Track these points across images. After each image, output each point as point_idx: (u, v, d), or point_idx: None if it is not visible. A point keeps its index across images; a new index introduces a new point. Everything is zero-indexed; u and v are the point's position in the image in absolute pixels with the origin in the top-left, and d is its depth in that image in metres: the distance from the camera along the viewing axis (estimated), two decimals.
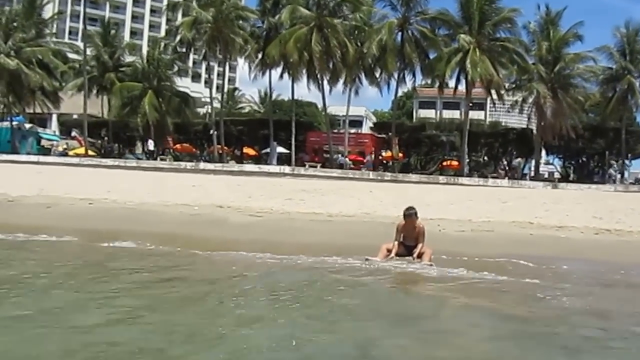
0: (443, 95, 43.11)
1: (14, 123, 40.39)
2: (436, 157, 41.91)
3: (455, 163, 39.79)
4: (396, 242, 10.08)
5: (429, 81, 41.94)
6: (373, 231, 11.62)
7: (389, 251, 9.99)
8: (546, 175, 40.24)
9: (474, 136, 39.00)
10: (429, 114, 54.49)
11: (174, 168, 33.40)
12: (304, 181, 23.68)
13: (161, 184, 20.10)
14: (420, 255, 9.83)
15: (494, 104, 39.64)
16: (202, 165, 35.43)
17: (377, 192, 18.87)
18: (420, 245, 9.96)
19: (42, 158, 35.98)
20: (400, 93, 51.44)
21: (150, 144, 40.72)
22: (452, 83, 38.10)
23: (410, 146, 41.42)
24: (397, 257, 9.92)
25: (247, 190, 18.40)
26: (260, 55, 39.28)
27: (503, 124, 47.34)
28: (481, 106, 51.89)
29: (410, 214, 10.12)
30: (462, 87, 37.38)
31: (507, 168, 39.05)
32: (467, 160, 38.71)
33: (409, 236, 10.10)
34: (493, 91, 36.24)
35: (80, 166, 31.27)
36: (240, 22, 38.14)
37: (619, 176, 36.92)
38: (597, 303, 7.55)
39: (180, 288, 7.42)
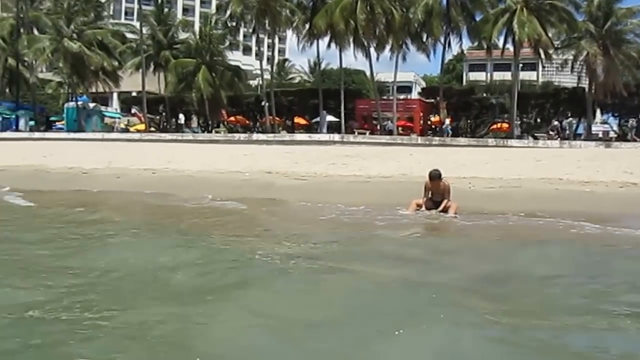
0: (493, 57, 42.76)
1: (79, 103, 42.68)
2: (486, 120, 41.95)
3: (505, 125, 39.69)
4: (424, 198, 11.09)
5: (476, 44, 41.70)
6: (408, 190, 12.21)
7: (419, 206, 11.04)
8: (600, 135, 39.64)
9: (524, 97, 38.79)
10: (479, 76, 54.02)
11: (228, 140, 34.81)
12: (348, 147, 24.57)
13: (215, 154, 21.46)
14: (446, 210, 10.82)
15: (543, 64, 39.20)
16: (255, 136, 36.77)
17: (417, 155, 19.59)
18: (445, 201, 10.92)
19: (106, 135, 38.18)
20: (450, 57, 51.58)
21: (181, 118, 42.74)
22: (500, 45, 38.01)
23: (460, 110, 41.52)
24: (426, 210, 10.98)
25: (294, 157, 19.47)
26: (307, 26, 40.03)
27: (556, 83, 46.59)
28: (533, 66, 51.12)
29: (434, 176, 11.05)
30: (510, 48, 37.18)
31: (558, 129, 38.70)
32: (519, 122, 38.68)
33: (436, 192, 11.09)
34: (541, 51, 35.87)
35: (141, 141, 33.14)
36: None
37: None
38: None
39: None
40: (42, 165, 19.33)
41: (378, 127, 39.23)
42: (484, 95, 43.57)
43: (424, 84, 56.87)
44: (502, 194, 13.45)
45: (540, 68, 49.83)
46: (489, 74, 52.10)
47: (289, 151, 21.55)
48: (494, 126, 40.71)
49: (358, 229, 9.66)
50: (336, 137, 34.20)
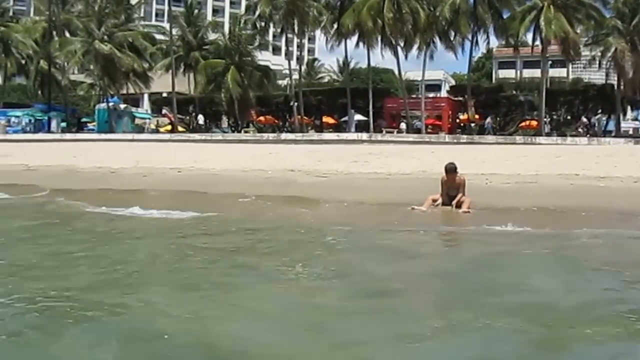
0: (522, 54, 42.61)
1: (110, 104, 43.46)
2: (515, 117, 41.70)
3: (534, 123, 39.43)
4: (441, 193, 11.42)
5: (503, 42, 41.52)
6: (426, 186, 12.34)
7: (434, 201, 11.34)
8: (630, 132, 39.14)
9: (553, 94, 38.54)
10: (508, 74, 53.76)
11: (256, 139, 35.18)
12: (373, 146, 24.71)
13: (241, 153, 21.77)
14: (460, 204, 11.12)
15: (571, 61, 38.88)
16: (283, 135, 37.07)
17: (439, 152, 19.52)
18: (460, 195, 11.26)
19: (136, 135, 38.77)
20: (479, 55, 51.37)
21: (200, 119, 43.30)
22: (528, 42, 37.87)
23: (488, 108, 41.35)
24: (442, 206, 11.32)
25: (318, 156, 19.65)
26: (335, 26, 40.26)
27: (586, 80, 46.18)
28: (563, 63, 50.59)
29: (450, 169, 11.43)
30: (539, 45, 36.98)
31: (587, 126, 38.34)
32: (548, 119, 38.40)
33: (452, 187, 11.42)
34: (569, 48, 35.59)
35: (170, 141, 33.68)
36: None
37: None
38: None
39: None
40: (73, 165, 19.91)
41: (399, 125, 39.26)
42: (514, 92, 43.36)
43: (453, 82, 56.68)
44: (517, 189, 13.54)
45: (570, 65, 49.33)
46: (518, 72, 51.79)
47: (313, 150, 21.81)
48: (523, 124, 40.46)
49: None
50: (364, 136, 34.33)
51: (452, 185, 11.44)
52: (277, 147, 25.21)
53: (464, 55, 40.96)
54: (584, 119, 38.84)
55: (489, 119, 38.30)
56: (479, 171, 15.26)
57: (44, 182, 16.17)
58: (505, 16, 37.58)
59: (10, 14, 63.89)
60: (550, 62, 40.91)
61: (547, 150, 20.43)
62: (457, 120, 42.43)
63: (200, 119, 45.93)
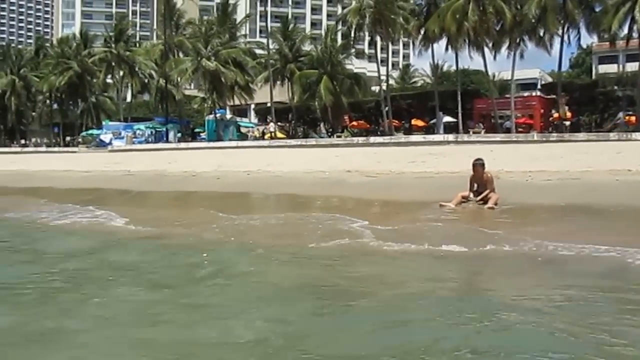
0: (627, 48, 41.12)
1: (217, 115, 47.45)
2: (613, 113, 40.41)
3: (633, 119, 38.11)
4: (471, 191, 11.96)
5: (595, 37, 40.44)
6: (466, 184, 12.66)
7: (464, 197, 11.85)
8: None
9: None
10: (610, 69, 51.64)
11: (347, 143, 37.03)
12: (434, 147, 25.25)
13: (313, 156, 23.64)
14: (486, 200, 11.48)
15: None
16: (372, 139, 38.52)
17: (497, 151, 20.14)
18: (487, 191, 11.63)
19: (240, 143, 42.15)
20: (579, 50, 49.98)
21: (271, 126, 45.42)
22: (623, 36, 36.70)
23: (583, 104, 40.45)
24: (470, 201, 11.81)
25: (379, 157, 21.13)
26: (422, 31, 41.31)
27: None
28: None
29: (475, 164, 11.98)
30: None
31: None
32: None
33: (480, 184, 11.92)
34: None
35: (270, 147, 36.30)
36: (400, 2, 40.41)
37: None
38: None
39: None
40: (164, 170, 23.09)
41: (492, 125, 39.42)
42: (614, 87, 41.98)
43: (550, 80, 55.35)
44: (555, 186, 13.83)
45: None
46: (620, 66, 49.74)
47: (377, 152, 23.30)
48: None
49: None
50: (450, 137, 34.95)
51: (480, 182, 11.85)
52: (349, 150, 26.88)
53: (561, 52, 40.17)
54: None
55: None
56: (527, 168, 15.89)
57: (135, 185, 19.16)
58: (597, 10, 36.77)
59: (137, 39, 71.13)
60: None
61: (611, 147, 20.16)
62: (550, 119, 41.79)
63: (271, 126, 46.52)
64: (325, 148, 32.42)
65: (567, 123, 39.19)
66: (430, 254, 7.24)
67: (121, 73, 55.57)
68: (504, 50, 40.05)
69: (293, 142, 39.64)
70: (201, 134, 52.48)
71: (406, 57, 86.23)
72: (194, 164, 23.45)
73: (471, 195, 11.92)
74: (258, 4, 47.80)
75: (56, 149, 51.76)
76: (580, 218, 10.07)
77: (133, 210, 12.80)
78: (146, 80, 57.23)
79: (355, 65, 49.26)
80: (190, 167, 22.77)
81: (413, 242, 7.66)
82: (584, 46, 45.88)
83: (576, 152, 18.65)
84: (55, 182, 22.06)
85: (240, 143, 41.90)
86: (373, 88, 49.00)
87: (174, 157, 27.12)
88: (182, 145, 42.33)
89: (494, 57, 40.61)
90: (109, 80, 59.23)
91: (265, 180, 18.50)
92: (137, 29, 77.59)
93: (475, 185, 11.95)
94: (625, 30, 35.95)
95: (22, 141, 64.95)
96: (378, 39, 43.46)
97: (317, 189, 16.09)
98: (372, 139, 38.30)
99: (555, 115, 40.83)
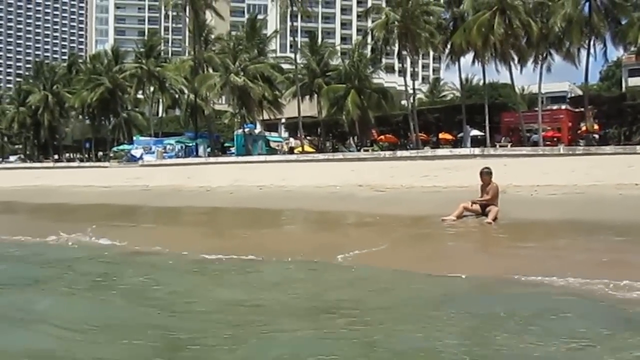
0: None
1: (246, 130, 48.12)
2: None
3: None
4: (470, 201, 12.03)
5: (621, 49, 40.10)
6: (470, 198, 12.51)
7: (466, 209, 11.92)
8: None
9: None
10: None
11: (374, 157, 37.21)
12: (447, 161, 24.68)
13: (326, 171, 23.41)
14: (486, 214, 11.54)
15: None
16: (399, 153, 38.61)
17: (511, 165, 19.48)
18: (490, 206, 11.66)
19: (268, 157, 42.66)
20: (610, 63, 49.52)
21: (291, 142, 45.59)
22: None
23: (612, 117, 40.11)
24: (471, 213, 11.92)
25: (393, 171, 20.69)
26: (449, 45, 41.49)
27: None
28: None
29: (482, 172, 12.15)
30: None
31: None
32: None
33: (484, 191, 12.02)
34: None
35: (297, 162, 36.67)
36: (426, 17, 40.69)
37: None
38: None
39: None
40: (182, 185, 23.16)
41: (520, 139, 39.25)
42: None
43: (580, 93, 54.94)
44: (559, 200, 13.64)
45: None
46: None
47: (394, 166, 23.18)
48: None
49: None
50: (476, 150, 34.86)
51: (484, 189, 12.00)
52: (367, 164, 26.59)
53: (590, 65, 39.91)
54: None
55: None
56: (536, 182, 15.79)
57: (150, 200, 19.55)
58: (623, 23, 36.56)
59: (170, 55, 72.65)
60: None
61: (623, 160, 19.78)
62: (579, 132, 41.48)
63: (291, 141, 47.74)
64: (349, 162, 32.64)
65: (596, 136, 38.89)
66: None
67: (152, 88, 56.78)
68: (530, 63, 40.07)
69: (321, 156, 39.85)
70: (231, 149, 53.23)
71: (436, 70, 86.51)
72: (211, 178, 23.41)
73: (473, 206, 12.01)
74: (288, 19, 47.96)
75: (87, 164, 53.09)
76: (569, 236, 10.09)
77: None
78: (177, 96, 58.44)
79: (386, 79, 49.58)
80: (207, 181, 22.76)
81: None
82: (613, 59, 45.43)
83: (587, 167, 18.01)
84: (72, 198, 22.02)
85: (262, 157, 42.36)
86: (403, 102, 49.23)
87: (194, 172, 27.12)
88: (202, 159, 43.19)
89: (520, 71, 40.61)
90: (140, 96, 60.60)
91: (275, 195, 18.41)
92: (170, 44, 79.17)
93: (482, 192, 12.13)
94: None
95: (55, 156, 66.71)
96: (405, 53, 43.70)
97: (323, 203, 16.06)
98: (399, 153, 38.16)
99: (583, 128, 40.54)
